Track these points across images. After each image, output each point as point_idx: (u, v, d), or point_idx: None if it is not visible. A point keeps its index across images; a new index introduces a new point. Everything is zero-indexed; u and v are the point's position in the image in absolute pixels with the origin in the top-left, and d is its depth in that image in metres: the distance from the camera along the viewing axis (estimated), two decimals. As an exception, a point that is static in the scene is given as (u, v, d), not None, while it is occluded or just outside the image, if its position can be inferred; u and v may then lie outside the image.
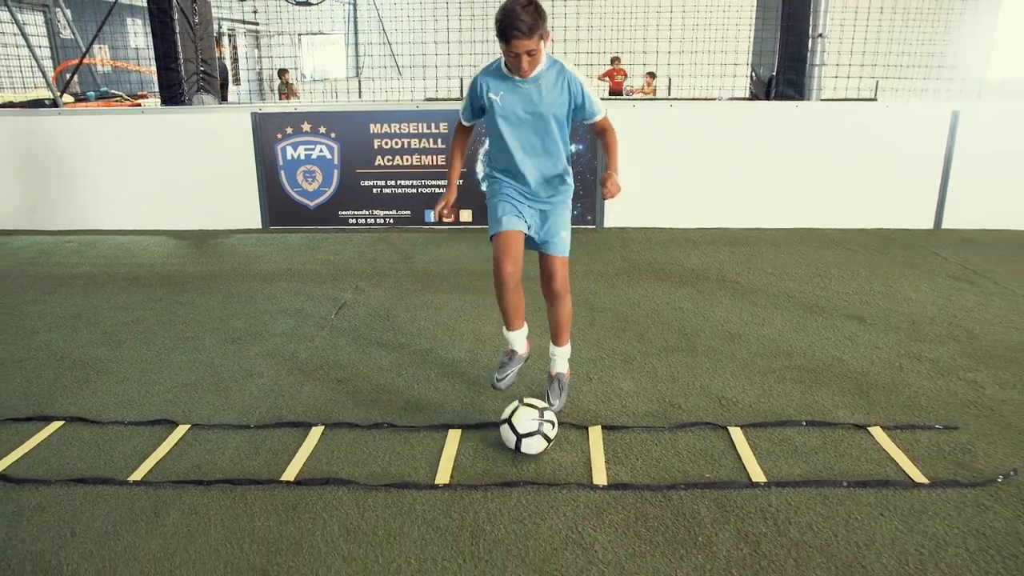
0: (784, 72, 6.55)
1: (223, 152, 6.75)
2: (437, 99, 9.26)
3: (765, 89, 6.88)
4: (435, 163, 6.64)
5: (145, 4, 6.91)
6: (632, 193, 6.69)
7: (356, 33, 21.27)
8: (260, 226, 6.89)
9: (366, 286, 5.15)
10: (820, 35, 6.67)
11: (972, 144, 6.52)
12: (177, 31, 6.81)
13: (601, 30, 12.16)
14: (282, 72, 15.54)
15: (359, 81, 19.46)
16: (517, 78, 2.91)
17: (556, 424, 2.92)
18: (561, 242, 3.12)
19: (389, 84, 17.92)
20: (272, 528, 2.47)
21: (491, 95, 2.96)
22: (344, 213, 6.83)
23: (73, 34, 11.12)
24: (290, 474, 2.78)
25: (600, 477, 2.75)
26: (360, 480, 2.74)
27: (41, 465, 2.89)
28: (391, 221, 6.82)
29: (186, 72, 6.95)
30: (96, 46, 10.93)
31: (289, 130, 6.67)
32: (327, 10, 19.45)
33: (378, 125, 6.61)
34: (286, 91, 15.17)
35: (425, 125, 6.57)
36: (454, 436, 3.05)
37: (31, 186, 6.94)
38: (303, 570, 2.27)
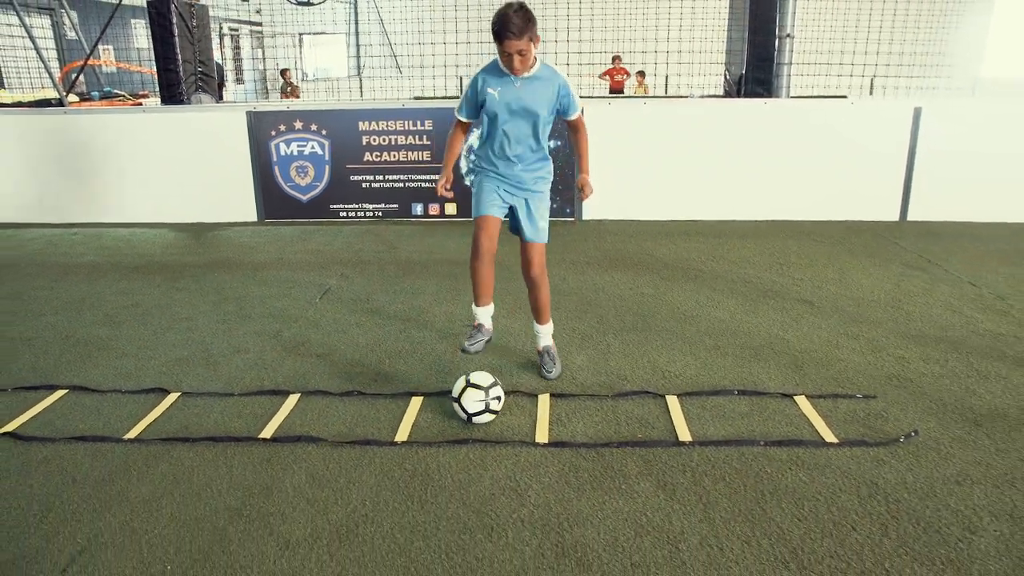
0: (752, 71, 6.85)
1: (220, 149, 7.10)
2: (424, 98, 9.58)
3: (736, 87, 7.19)
4: (421, 159, 6.97)
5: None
6: (609, 187, 7.06)
7: (357, 34, 21.61)
8: (255, 219, 7.24)
9: (351, 273, 5.49)
10: (788, 35, 6.97)
11: (934, 139, 6.82)
12: (176, 34, 7.16)
13: (591, 31, 12.47)
14: (284, 72, 15.91)
15: (360, 80, 19.82)
16: (512, 76, 3.28)
17: (503, 397, 3.24)
18: (541, 232, 3.50)
19: (390, 83, 18.26)
20: (247, 476, 2.82)
21: (489, 89, 3.34)
22: (335, 206, 7.17)
23: (78, 36, 11.49)
24: (267, 433, 3.12)
25: (542, 436, 3.08)
26: (328, 438, 3.08)
27: (47, 426, 3.24)
28: (379, 214, 7.16)
29: (185, 73, 7.30)
30: (101, 47, 11.29)
31: (282, 128, 7.02)
32: (328, 11, 19.79)
33: (367, 123, 6.95)
34: (288, 90, 15.53)
35: (411, 123, 6.91)
36: (416, 402, 3.39)
37: (39, 181, 7.31)
38: (272, 509, 2.61)
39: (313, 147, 7.06)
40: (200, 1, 7.65)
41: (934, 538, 2.45)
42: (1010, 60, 21.75)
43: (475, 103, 3.41)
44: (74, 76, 9.15)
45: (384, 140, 6.97)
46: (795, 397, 3.45)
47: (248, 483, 2.77)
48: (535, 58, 3.31)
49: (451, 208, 7.05)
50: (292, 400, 3.43)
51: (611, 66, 15.17)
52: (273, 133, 7.03)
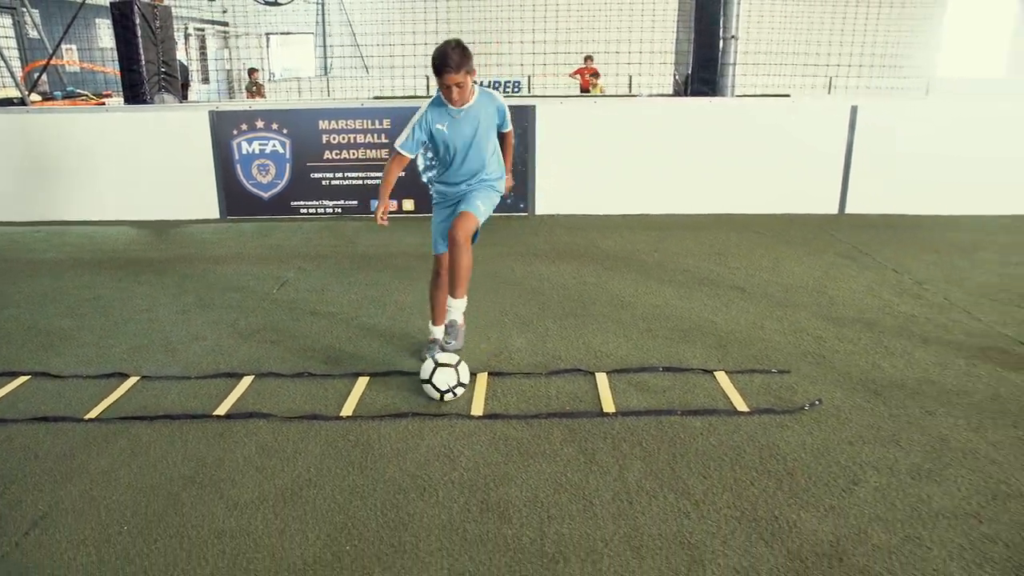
0: (698, 71, 7.16)
1: (183, 148, 7.26)
2: (383, 97, 9.79)
3: (684, 87, 7.50)
4: (379, 156, 7.19)
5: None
6: (561, 184, 7.35)
7: (325, 34, 21.72)
8: (218, 216, 7.41)
9: (308, 267, 5.70)
10: (733, 37, 7.29)
11: (870, 136, 7.18)
12: (139, 35, 7.31)
13: (556, 31, 12.80)
14: (252, 71, 16.02)
15: (327, 80, 19.93)
16: (453, 109, 3.51)
17: (468, 371, 3.49)
18: (476, 207, 3.63)
19: (357, 83, 18.41)
20: (201, 448, 3.03)
21: (437, 125, 3.56)
22: (296, 203, 7.37)
23: (40, 35, 11.54)
24: (221, 410, 3.34)
25: (478, 410, 3.33)
26: (278, 414, 3.31)
27: (10, 408, 3.42)
28: (339, 211, 7.37)
29: (148, 73, 7.45)
30: (64, 47, 11.35)
31: (244, 127, 7.20)
32: (297, 11, 19.89)
33: (327, 122, 7.16)
34: (254, 89, 15.64)
35: (369, 121, 7.13)
36: (363, 381, 3.63)
37: (2, 180, 7.41)
38: (223, 476, 2.84)
39: (274, 146, 7.24)
40: (163, 2, 7.81)
41: (822, 490, 2.74)
42: (963, 61, 22.51)
43: (420, 140, 3.61)
44: (36, 75, 9.24)
45: (344, 139, 7.18)
46: (715, 372, 3.73)
47: (201, 455, 2.99)
48: (473, 87, 3.55)
49: (409, 204, 7.28)
50: (246, 382, 3.65)
51: (582, 65, 15.45)
52: (235, 132, 7.20)
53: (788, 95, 7.80)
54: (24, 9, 12.12)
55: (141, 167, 7.32)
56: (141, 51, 7.40)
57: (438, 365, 3.40)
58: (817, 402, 3.42)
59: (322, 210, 7.38)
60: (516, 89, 20.52)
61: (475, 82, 3.57)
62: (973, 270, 5.47)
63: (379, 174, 7.25)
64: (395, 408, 3.36)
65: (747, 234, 6.58)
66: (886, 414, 3.31)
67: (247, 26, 20.21)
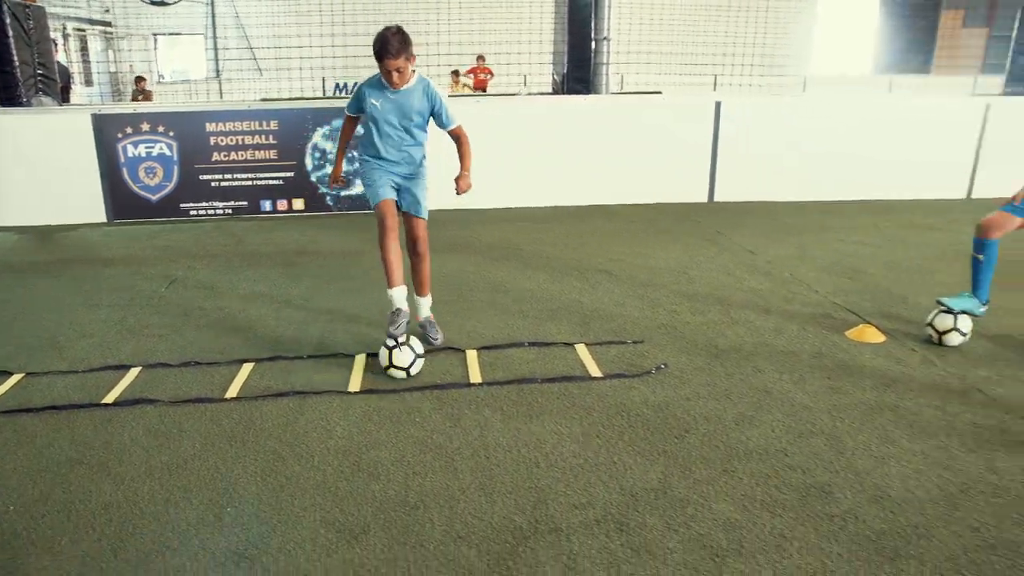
0: (572, 71, 7.61)
1: (65, 151, 7.19)
2: (271, 99, 9.87)
3: (560, 86, 7.94)
4: (267, 157, 7.33)
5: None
6: (445, 181, 7.62)
7: (215, 36, 21.33)
8: (105, 219, 7.38)
9: (197, 265, 5.82)
10: (605, 38, 7.77)
11: (732, 130, 7.80)
12: (10, 35, 7.19)
13: (427, 34, 13.11)
14: (139, 79, 15.64)
15: (219, 82, 19.61)
16: (390, 89, 3.76)
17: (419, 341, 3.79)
18: (423, 209, 4.00)
19: (250, 84, 18.21)
20: (88, 434, 3.20)
21: (372, 100, 3.82)
22: (185, 205, 7.41)
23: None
24: (108, 399, 3.50)
25: (355, 387, 3.61)
26: (165, 399, 3.49)
27: None
28: (229, 211, 7.46)
29: (23, 75, 7.34)
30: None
31: (129, 130, 7.20)
32: (185, 11, 19.47)
33: (214, 124, 7.24)
34: (140, 96, 15.29)
35: (257, 123, 7.25)
36: (248, 367, 3.85)
37: None
38: (110, 456, 3.02)
39: (161, 148, 7.27)
40: (36, 1, 7.68)
41: (657, 438, 3.15)
42: (833, 60, 24.15)
43: (359, 105, 3.91)
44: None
45: (232, 140, 7.28)
46: (576, 345, 4.13)
47: (89, 439, 3.16)
48: (412, 72, 3.80)
49: (299, 204, 7.44)
50: (134, 372, 3.81)
51: (475, 65, 15.77)
52: (120, 135, 7.19)
53: (660, 92, 8.35)
54: None
55: (20, 171, 7.20)
56: (14, 52, 7.28)
57: (393, 347, 3.67)
58: (663, 366, 3.85)
59: (212, 211, 7.45)
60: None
61: (413, 69, 3.80)
62: (816, 249, 6.09)
63: (268, 175, 7.39)
64: (277, 389, 3.60)
65: (620, 222, 7.06)
66: (722, 373, 3.77)
67: (132, 27, 19.66)
